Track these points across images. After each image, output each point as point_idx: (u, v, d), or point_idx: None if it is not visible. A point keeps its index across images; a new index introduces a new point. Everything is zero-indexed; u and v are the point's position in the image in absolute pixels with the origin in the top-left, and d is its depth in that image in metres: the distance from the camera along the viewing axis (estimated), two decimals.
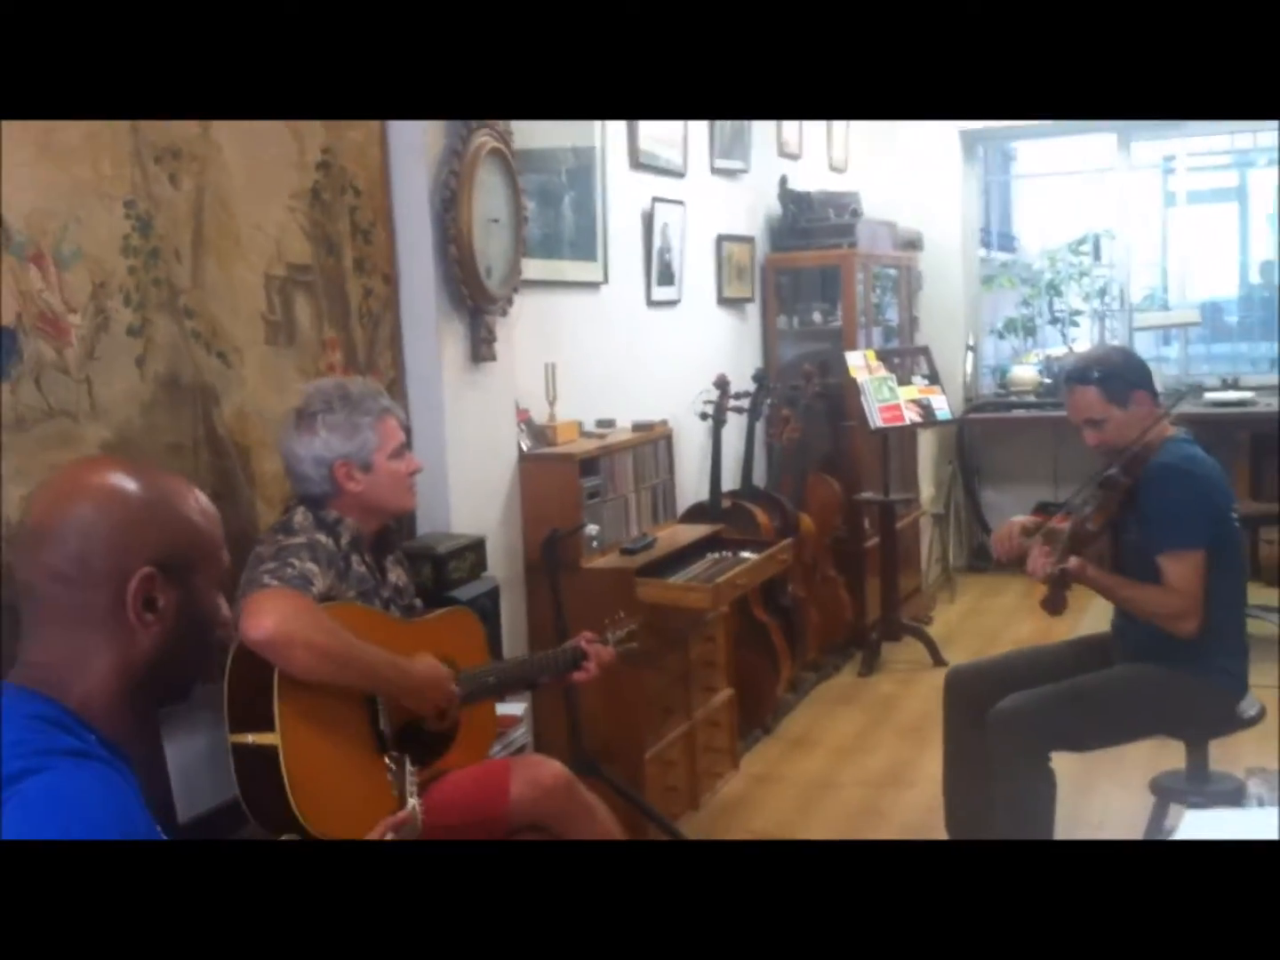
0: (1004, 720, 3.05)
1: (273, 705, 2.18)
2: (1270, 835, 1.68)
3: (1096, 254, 7.48)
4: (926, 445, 6.88)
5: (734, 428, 4.99)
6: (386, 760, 2.12)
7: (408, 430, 2.87)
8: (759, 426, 5.23)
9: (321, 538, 2.44)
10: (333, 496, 2.51)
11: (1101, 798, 4.02)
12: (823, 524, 5.47)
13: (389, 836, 1.79)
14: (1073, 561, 2.93)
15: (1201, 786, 3.26)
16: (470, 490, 3.48)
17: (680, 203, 4.94)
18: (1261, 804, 1.86)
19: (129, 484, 1.39)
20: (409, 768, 2.02)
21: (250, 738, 2.19)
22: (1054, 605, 2.97)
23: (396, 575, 2.66)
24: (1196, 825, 1.78)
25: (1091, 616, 5.70)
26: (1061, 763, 3.15)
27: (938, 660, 5.53)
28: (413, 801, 1.91)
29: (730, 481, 5.07)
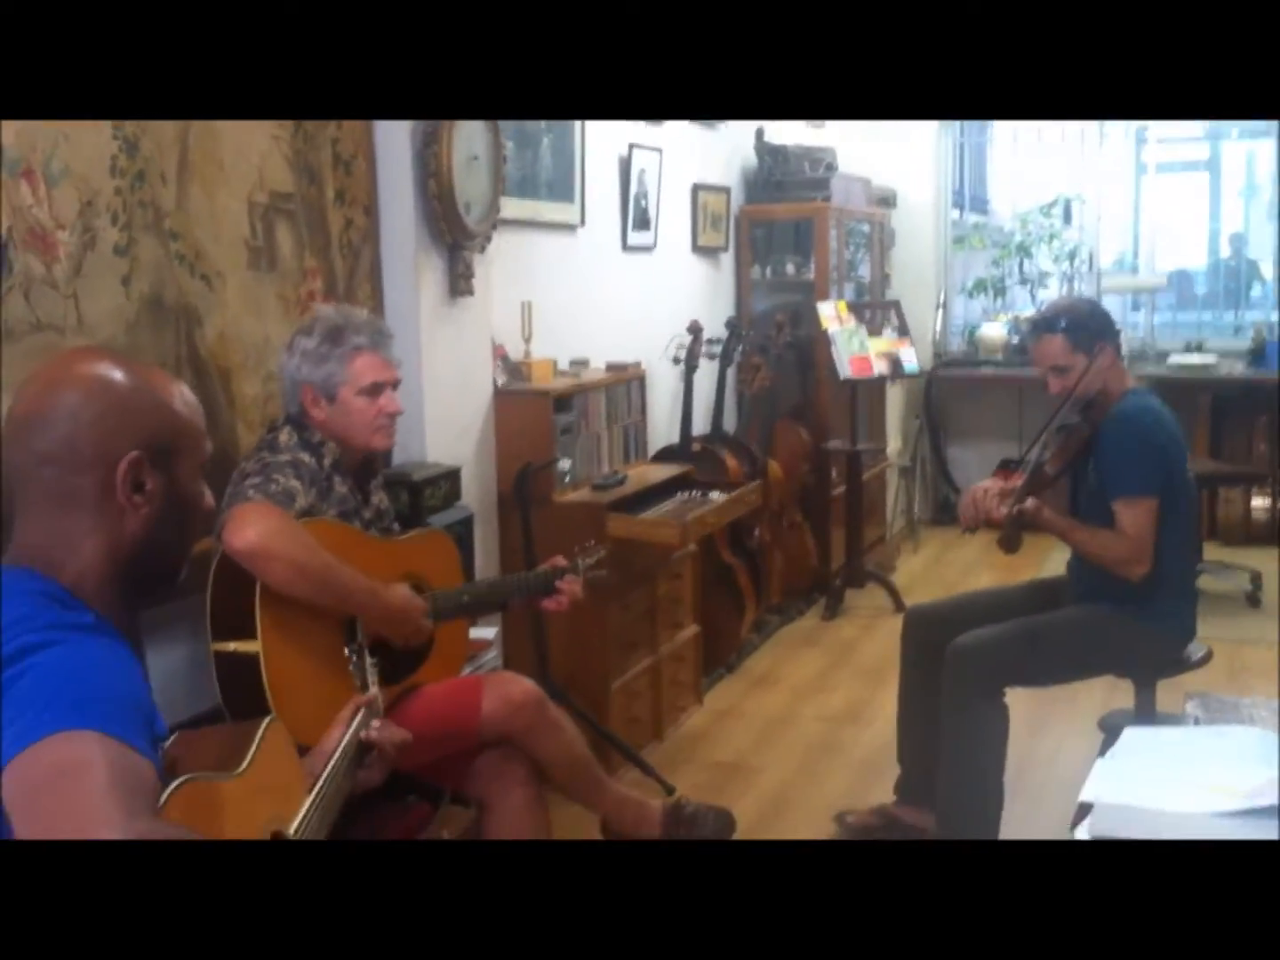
0: (961, 655, 3.15)
1: (255, 615, 2.25)
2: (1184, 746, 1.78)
3: (1067, 218, 7.55)
4: (895, 399, 6.98)
5: (704, 374, 5.06)
6: (346, 651, 2.20)
7: None
8: (730, 373, 5.31)
9: (305, 457, 2.50)
10: (306, 418, 2.57)
11: (1054, 738, 4.14)
12: (790, 471, 5.56)
13: (356, 722, 1.86)
14: (1029, 502, 3.02)
15: (1149, 725, 3.37)
16: (446, 422, 3.54)
17: (658, 150, 4.99)
18: (1198, 723, 1.96)
19: (115, 373, 1.45)
20: (369, 659, 2.09)
21: (232, 645, 2.27)
22: (1009, 544, 3.07)
23: (379, 499, 2.72)
24: (1131, 742, 1.88)
25: (1052, 566, 5.84)
26: (1016, 705, 3.25)
27: (900, 607, 5.63)
28: (374, 689, 1.98)
29: (700, 426, 5.14)
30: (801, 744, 4.24)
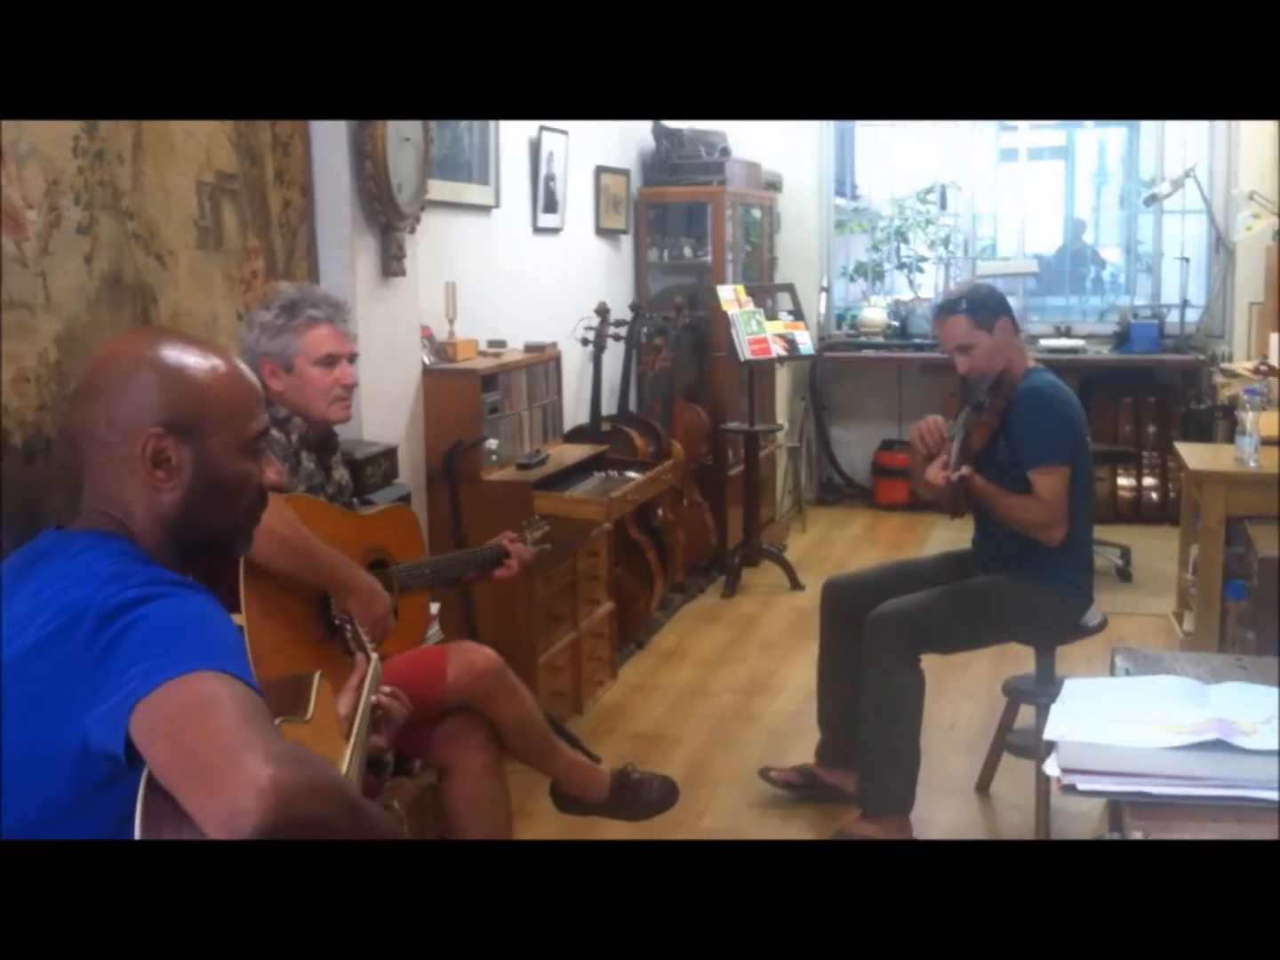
0: (881, 622, 3.33)
1: (239, 589, 2.32)
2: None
3: (943, 204, 7.83)
4: (782, 381, 7.18)
5: (607, 355, 5.18)
6: (338, 622, 2.28)
7: None
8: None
9: (275, 433, 2.57)
10: (267, 393, 2.63)
11: (951, 704, 4.37)
12: (689, 451, 5.72)
13: (367, 685, 1.94)
14: (965, 469, 3.21)
15: (1048, 689, 3.59)
16: (379, 401, 3.61)
17: (564, 132, 5.09)
18: (1129, 674, 2.16)
19: (149, 350, 1.53)
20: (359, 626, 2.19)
21: None
22: (955, 509, 3.27)
23: (340, 474, 2.80)
24: (1075, 690, 2.06)
25: (932, 544, 6.12)
26: None
27: (795, 584, 5.85)
28: (375, 655, 2.06)
29: (606, 407, 5.26)
30: (715, 714, 4.40)
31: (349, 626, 2.19)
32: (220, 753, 1.24)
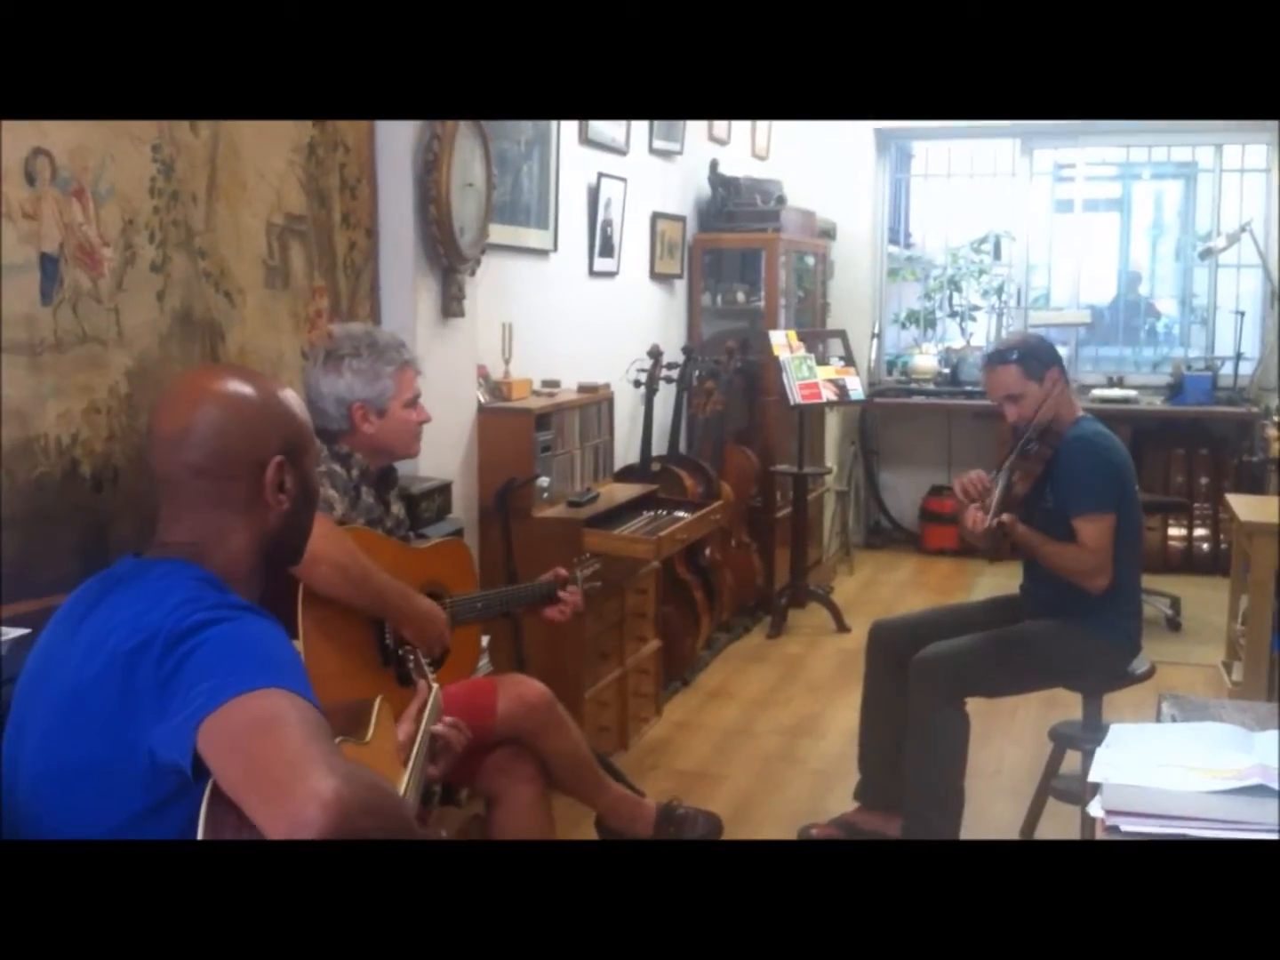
0: (926, 665, 3.35)
1: (297, 616, 2.39)
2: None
3: (997, 253, 7.87)
4: (831, 426, 7.21)
5: (659, 396, 5.24)
6: (401, 652, 2.34)
7: None
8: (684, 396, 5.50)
9: (337, 468, 2.65)
10: (347, 434, 2.71)
11: (997, 750, 4.37)
12: (739, 493, 5.76)
13: (428, 714, 1.99)
14: (1006, 517, 3.24)
15: (1095, 735, 3.58)
16: (435, 438, 3.65)
17: (623, 179, 5.18)
18: (1174, 720, 2.17)
19: (246, 387, 1.63)
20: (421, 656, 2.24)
21: None
22: (994, 553, 3.30)
23: (397, 508, 2.87)
24: (1121, 734, 2.08)
25: (981, 589, 6.11)
26: None
27: (841, 626, 5.86)
28: (436, 684, 2.11)
29: (656, 447, 5.32)
30: (759, 754, 4.42)
31: (411, 656, 2.25)
32: (285, 767, 1.30)
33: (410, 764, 1.81)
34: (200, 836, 1.34)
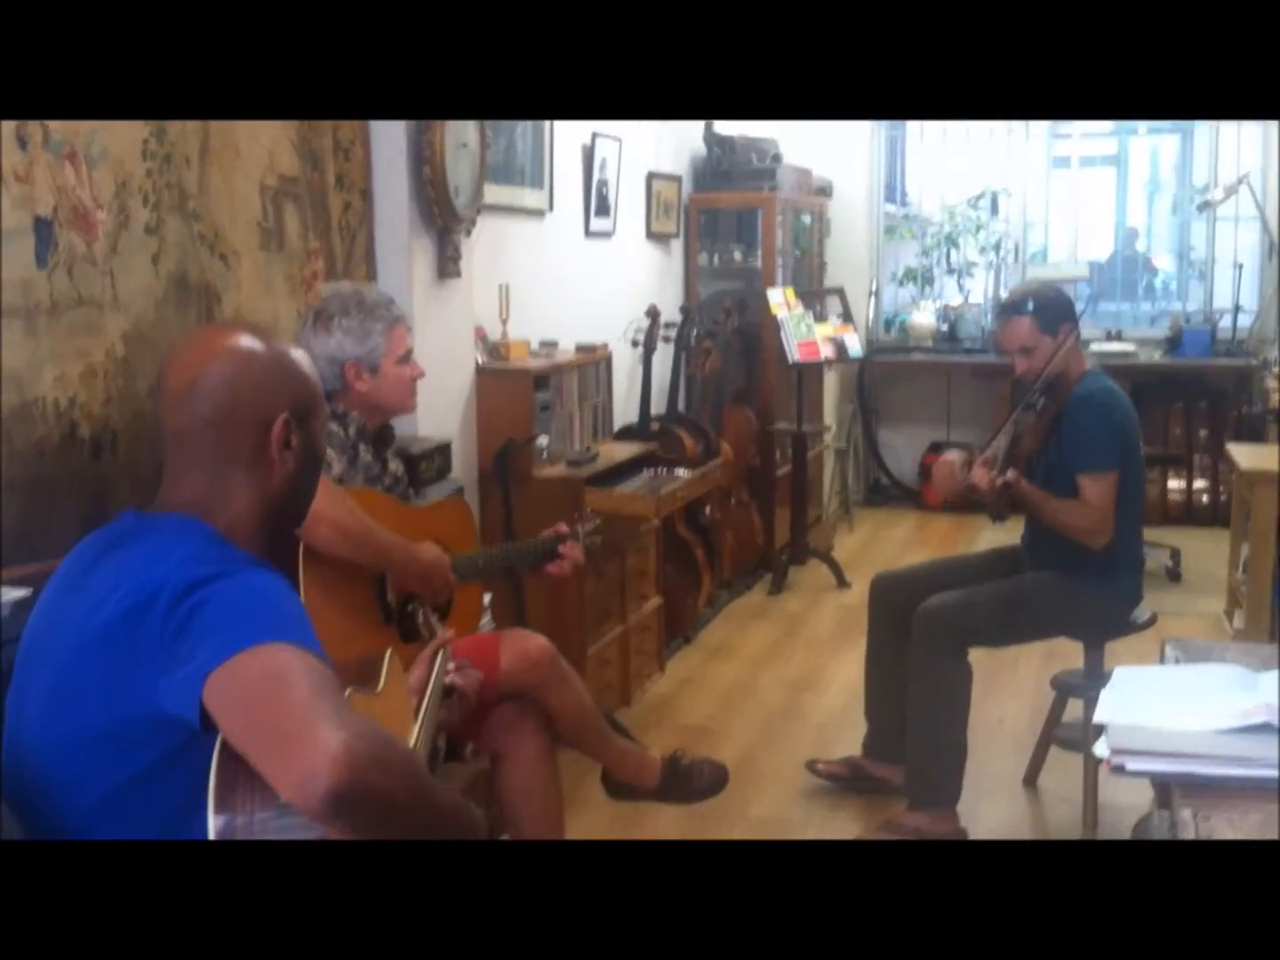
0: (930, 617, 3.36)
1: (298, 574, 2.39)
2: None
3: (994, 210, 7.83)
4: (830, 384, 7.20)
5: (656, 356, 5.23)
6: (410, 607, 2.34)
7: None
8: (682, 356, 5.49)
9: (334, 427, 2.64)
10: (341, 393, 2.70)
11: (999, 703, 4.39)
12: (738, 452, 5.76)
13: (439, 660, 1.99)
14: (1010, 474, 3.23)
15: (1097, 683, 3.60)
16: (433, 399, 3.66)
17: (618, 139, 5.15)
18: (1179, 663, 2.18)
19: (258, 344, 1.62)
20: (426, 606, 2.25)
21: None
22: (998, 514, 3.30)
23: (395, 466, 2.87)
24: (1125, 677, 2.09)
25: (981, 544, 6.11)
26: None
27: (841, 582, 5.88)
28: (448, 630, 2.11)
29: (655, 407, 5.31)
30: (763, 709, 4.44)
31: (420, 611, 2.26)
32: (295, 720, 1.30)
33: (424, 708, 1.82)
34: (211, 798, 1.34)
